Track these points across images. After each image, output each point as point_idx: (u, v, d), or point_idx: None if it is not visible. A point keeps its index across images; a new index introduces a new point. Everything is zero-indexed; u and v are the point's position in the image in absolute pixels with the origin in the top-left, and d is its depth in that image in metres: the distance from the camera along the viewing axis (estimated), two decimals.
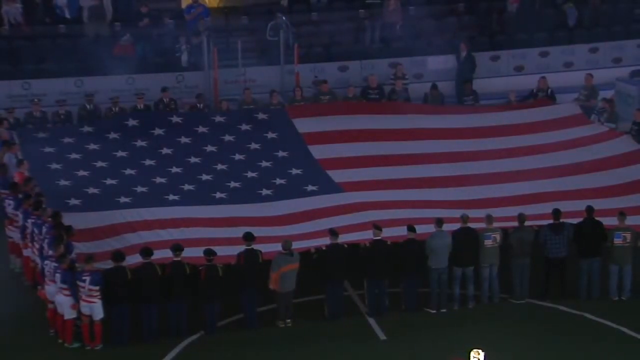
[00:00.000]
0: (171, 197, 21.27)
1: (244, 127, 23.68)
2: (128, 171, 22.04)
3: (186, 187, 21.72)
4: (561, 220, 19.70)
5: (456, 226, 19.43)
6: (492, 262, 19.51)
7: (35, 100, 25.29)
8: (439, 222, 19.25)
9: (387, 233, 19.22)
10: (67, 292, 17.81)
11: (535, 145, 23.67)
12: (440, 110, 25.43)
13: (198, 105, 25.44)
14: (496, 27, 29.81)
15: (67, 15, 27.92)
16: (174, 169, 22.27)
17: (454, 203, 21.12)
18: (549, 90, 26.21)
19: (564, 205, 20.21)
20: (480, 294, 19.65)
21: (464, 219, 19.43)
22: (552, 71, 28.31)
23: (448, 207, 20.82)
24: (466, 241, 19.32)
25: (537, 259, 19.76)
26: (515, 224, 19.64)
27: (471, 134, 23.98)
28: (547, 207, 20.25)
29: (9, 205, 20.60)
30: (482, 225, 19.52)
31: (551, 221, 19.72)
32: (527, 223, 19.64)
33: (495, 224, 19.56)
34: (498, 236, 19.46)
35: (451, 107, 26.07)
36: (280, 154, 23.02)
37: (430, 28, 28.14)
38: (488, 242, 19.39)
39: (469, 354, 14.24)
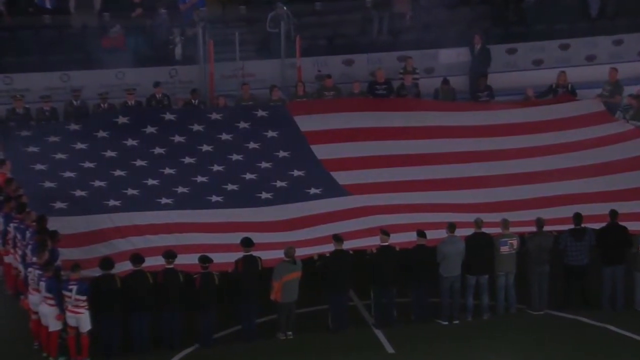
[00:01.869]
0: (164, 200, 21.30)
1: (242, 125, 23.70)
2: (118, 172, 22.07)
3: (180, 189, 21.75)
4: (582, 225, 19.70)
5: (470, 231, 19.46)
6: (508, 270, 19.52)
7: (18, 95, 25.28)
8: (451, 226, 19.27)
9: (396, 239, 19.25)
10: (52, 302, 17.81)
11: (554, 145, 23.71)
12: (452, 107, 25.45)
13: (193, 101, 25.45)
14: (513, 18, 29.80)
15: (48, 6, 27.92)
16: (167, 170, 22.30)
17: (467, 206, 21.14)
18: (569, 86, 26.21)
19: (586, 209, 20.23)
20: (495, 304, 19.67)
21: (478, 223, 19.44)
22: (573, 65, 28.30)
23: (461, 211, 20.84)
24: (480, 247, 19.33)
25: (556, 267, 19.76)
26: (533, 229, 19.66)
27: (485, 133, 24.02)
28: (567, 211, 20.26)
29: None
30: (498, 230, 19.54)
31: (572, 226, 19.73)
32: (545, 228, 19.65)
33: (512, 229, 19.57)
34: (515, 242, 19.47)
35: (464, 104, 26.08)
36: (281, 154, 23.05)
37: (442, 19, 28.12)
38: (504, 249, 19.41)
39: None
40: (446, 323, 19.44)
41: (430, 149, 23.37)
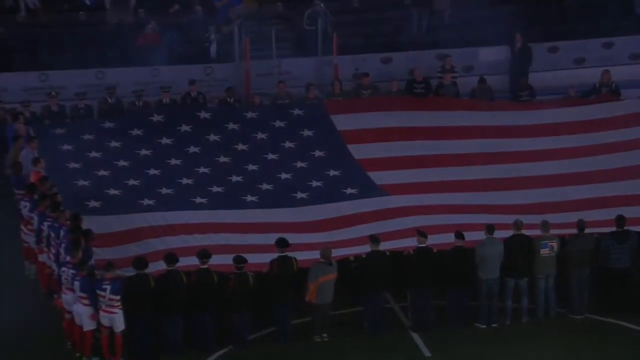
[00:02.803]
0: (198, 199, 21.41)
1: (278, 123, 23.75)
2: (152, 171, 22.19)
3: (215, 189, 21.84)
4: (625, 227, 19.61)
5: (509, 233, 19.42)
6: (548, 273, 19.47)
7: (53, 93, 25.55)
8: (490, 228, 19.24)
9: (433, 240, 19.24)
10: (86, 302, 17.96)
11: (596, 145, 23.59)
12: (492, 106, 25.36)
13: (228, 99, 25.59)
14: (555, 16, 29.67)
15: (87, 2, 28.21)
16: (202, 169, 22.40)
17: (506, 208, 21.09)
18: (613, 85, 26.07)
19: (629, 211, 20.16)
20: (535, 308, 19.61)
21: (518, 225, 19.40)
22: (616, 64, 28.13)
23: (500, 212, 20.80)
24: (520, 250, 19.29)
25: (598, 270, 19.66)
26: (574, 231, 19.60)
27: (526, 133, 23.92)
28: (609, 213, 20.21)
29: (25, 207, 20.82)
30: (538, 232, 19.48)
31: (614, 229, 19.65)
32: (587, 230, 19.58)
33: (552, 231, 19.51)
34: (555, 244, 19.41)
35: (504, 103, 26.01)
36: (317, 153, 23.09)
37: (482, 16, 28.07)
38: (544, 251, 19.35)
39: None
40: (484, 326, 19.40)
41: (469, 149, 23.31)
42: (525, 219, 19.79)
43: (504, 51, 28.16)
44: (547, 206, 21.17)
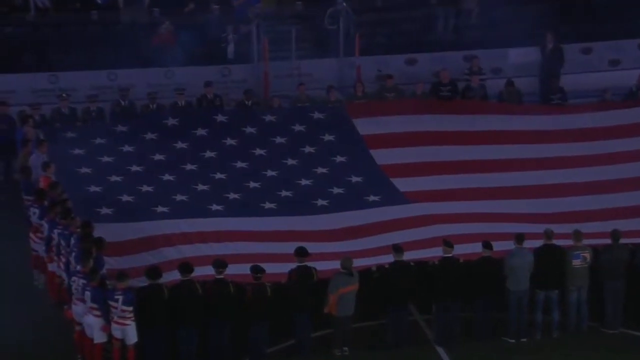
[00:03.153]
0: (214, 206, 21.42)
1: (298, 127, 23.76)
2: (166, 177, 22.23)
3: (231, 195, 21.86)
4: None
5: (539, 243, 19.34)
6: (581, 285, 19.37)
7: (64, 95, 25.64)
8: (520, 238, 19.16)
9: (459, 250, 19.17)
10: (97, 313, 17.97)
11: (633, 151, 23.48)
12: (522, 110, 25.30)
13: (246, 102, 25.62)
14: (588, 15, 29.58)
15: (100, 1, 28.30)
16: (218, 175, 22.42)
17: (536, 216, 21.03)
18: None
19: None
20: (566, 321, 19.50)
21: (548, 234, 19.32)
22: None
23: (530, 221, 20.74)
24: (550, 260, 19.20)
25: (632, 282, 19.52)
26: (608, 241, 19.50)
27: (558, 138, 23.84)
28: None
29: (34, 214, 20.85)
30: (569, 242, 19.40)
31: None
32: (622, 241, 19.48)
33: (585, 241, 19.42)
34: (588, 255, 19.32)
35: (535, 107, 25.95)
36: (338, 158, 23.07)
37: (511, 16, 28.00)
38: (576, 262, 19.26)
39: None
40: (513, 341, 19.33)
41: (498, 154, 23.26)
42: (557, 228, 19.74)
43: (534, 52, 28.06)
44: (580, 215, 21.09)
